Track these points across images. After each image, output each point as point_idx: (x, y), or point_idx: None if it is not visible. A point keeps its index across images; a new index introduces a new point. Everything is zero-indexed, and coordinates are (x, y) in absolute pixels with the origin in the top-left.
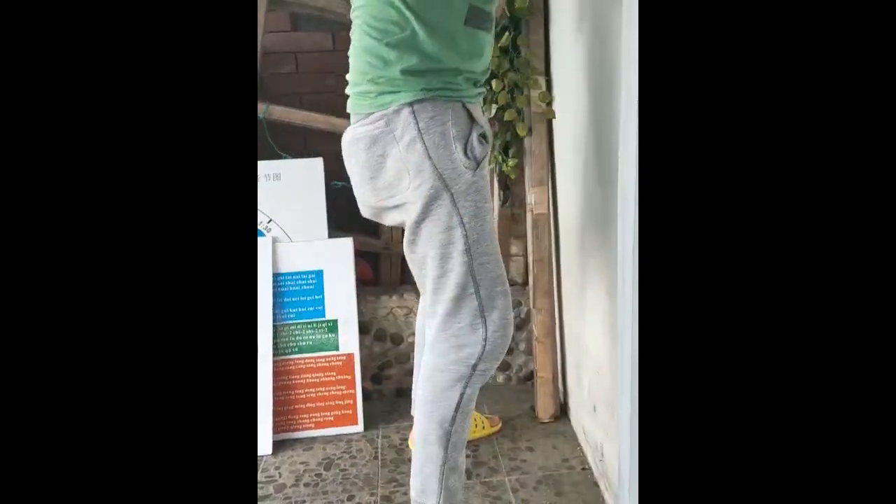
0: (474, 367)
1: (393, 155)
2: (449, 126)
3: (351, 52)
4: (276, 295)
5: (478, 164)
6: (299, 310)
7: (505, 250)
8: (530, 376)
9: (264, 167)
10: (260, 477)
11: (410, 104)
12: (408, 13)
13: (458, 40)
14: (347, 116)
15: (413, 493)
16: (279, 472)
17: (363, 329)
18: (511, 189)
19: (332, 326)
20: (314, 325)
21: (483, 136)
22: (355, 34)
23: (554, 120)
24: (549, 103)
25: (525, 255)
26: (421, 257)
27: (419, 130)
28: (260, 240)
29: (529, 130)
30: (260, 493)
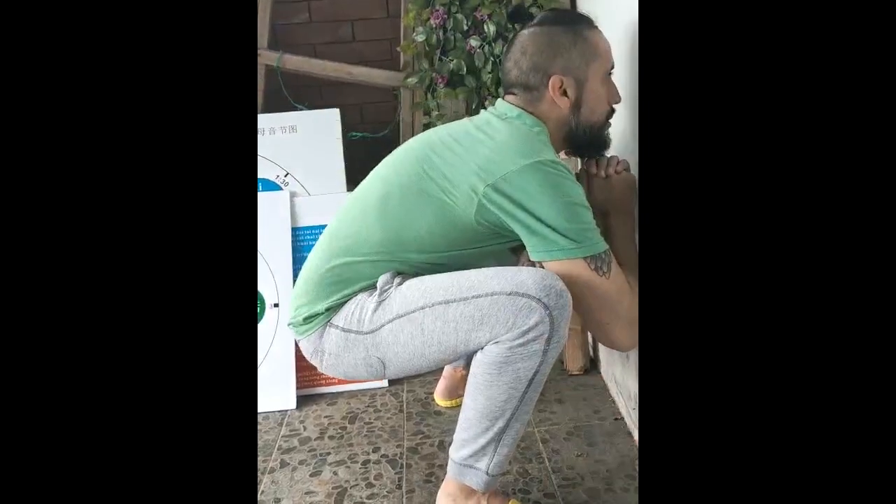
0: (549, 340)
1: (345, 362)
2: (363, 300)
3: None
4: (296, 249)
5: (382, 291)
6: None
7: None
8: None
9: (279, 119)
10: (284, 431)
11: (327, 324)
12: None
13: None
14: (363, 64)
15: (455, 455)
16: (304, 426)
17: None
18: None
19: None
20: None
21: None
22: None
23: None
24: None
25: None
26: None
27: (342, 329)
28: (278, 194)
29: None
30: (285, 445)
